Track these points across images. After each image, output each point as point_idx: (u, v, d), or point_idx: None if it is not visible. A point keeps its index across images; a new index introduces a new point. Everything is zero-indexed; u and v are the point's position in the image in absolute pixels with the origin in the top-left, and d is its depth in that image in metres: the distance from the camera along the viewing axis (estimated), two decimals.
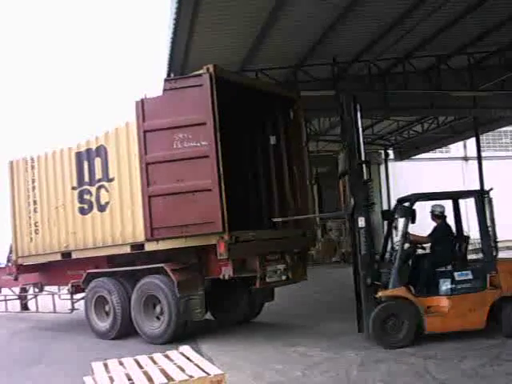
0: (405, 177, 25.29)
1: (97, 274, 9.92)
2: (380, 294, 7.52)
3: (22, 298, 13.04)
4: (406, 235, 7.88)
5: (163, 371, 5.00)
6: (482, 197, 8.12)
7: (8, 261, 12.72)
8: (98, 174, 9.82)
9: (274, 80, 14.09)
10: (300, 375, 6.47)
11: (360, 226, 7.64)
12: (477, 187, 18.42)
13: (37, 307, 12.13)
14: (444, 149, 28.02)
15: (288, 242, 9.65)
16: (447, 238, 8.25)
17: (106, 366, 5.37)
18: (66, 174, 10.39)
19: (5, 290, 13.42)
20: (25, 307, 13.07)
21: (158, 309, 8.95)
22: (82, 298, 10.43)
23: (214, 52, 12.71)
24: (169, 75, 13.24)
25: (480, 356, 6.72)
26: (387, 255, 8.43)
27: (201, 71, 8.34)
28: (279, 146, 10.29)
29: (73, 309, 10.80)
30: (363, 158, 7.91)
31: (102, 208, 9.77)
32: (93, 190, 9.91)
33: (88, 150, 10.00)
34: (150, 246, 8.97)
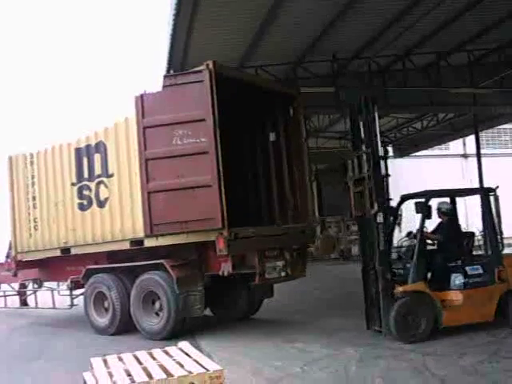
0: (404, 174, 25.27)
1: (96, 269, 9.92)
2: (401, 289, 7.55)
3: (22, 294, 13.05)
4: (422, 230, 8.02)
5: (162, 367, 5.01)
6: (489, 194, 8.35)
7: (7, 257, 12.71)
8: (98, 170, 9.81)
9: (273, 77, 14.08)
10: (299, 371, 6.48)
11: (379, 221, 7.66)
12: (476, 185, 18.47)
13: (36, 303, 12.13)
14: (443, 146, 28.04)
15: (287, 238, 9.64)
16: (456, 233, 8.44)
17: (105, 361, 5.38)
18: (65, 169, 10.39)
19: (4, 286, 13.42)
20: (24, 303, 13.07)
21: (157, 305, 8.95)
22: (82, 294, 10.43)
23: (214, 48, 12.71)
24: (168, 71, 13.25)
25: (479, 353, 6.73)
26: (393, 251, 8.43)
27: (200, 67, 8.32)
28: (279, 143, 10.28)
29: (72, 305, 10.80)
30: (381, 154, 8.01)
31: (101, 204, 9.76)
32: (92, 185, 9.90)
33: (87, 146, 9.99)
34: (149, 242, 8.97)
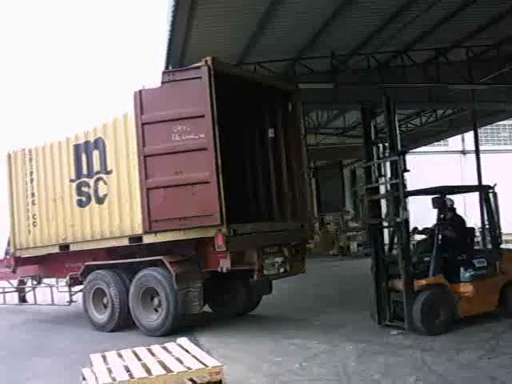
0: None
1: (95, 266, 9.93)
2: (424, 282, 7.74)
3: (20, 291, 13.04)
4: (440, 225, 8.40)
5: (161, 363, 5.03)
6: (489, 191, 8.78)
7: (6, 253, 12.71)
8: (96, 167, 9.80)
9: (272, 73, 14.06)
10: (298, 367, 6.50)
11: (401, 217, 7.74)
12: (475, 181, 18.48)
13: (35, 299, 12.14)
14: (442, 142, 28.06)
15: (286, 234, 9.65)
16: (464, 228, 8.76)
17: (104, 357, 5.39)
18: (64, 166, 10.38)
19: (3, 283, 13.43)
20: (23, 299, 13.07)
21: (156, 301, 8.97)
22: (80, 291, 10.44)
23: (213, 44, 12.68)
24: (167, 67, 13.22)
25: (477, 348, 6.75)
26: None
27: (199, 64, 8.31)
28: (277, 139, 10.28)
29: (71, 301, 10.82)
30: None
31: (100, 200, 9.76)
32: (91, 182, 9.89)
33: (86, 143, 9.98)
34: (148, 239, 8.97)
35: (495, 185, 8.75)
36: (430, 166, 25.50)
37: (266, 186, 10.48)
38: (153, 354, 5.39)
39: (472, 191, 9.67)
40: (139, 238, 9.11)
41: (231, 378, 5.79)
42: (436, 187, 8.65)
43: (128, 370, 4.88)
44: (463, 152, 28.73)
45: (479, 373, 5.85)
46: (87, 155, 9.96)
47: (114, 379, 4.65)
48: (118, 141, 9.43)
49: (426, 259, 8.11)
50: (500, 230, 8.98)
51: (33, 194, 11.05)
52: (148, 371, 4.80)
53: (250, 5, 11.06)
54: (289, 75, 14.45)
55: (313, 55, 14.14)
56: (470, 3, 11.69)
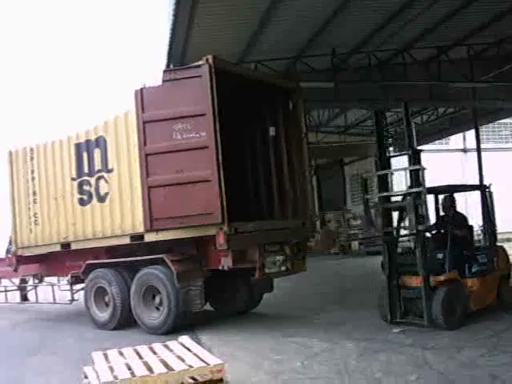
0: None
1: (96, 264, 9.94)
2: (442, 278, 7.87)
3: (22, 289, 13.06)
4: (453, 223, 8.57)
5: (163, 361, 5.03)
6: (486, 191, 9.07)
7: (8, 252, 12.72)
8: (98, 165, 9.81)
9: (273, 71, 14.06)
10: (299, 365, 6.50)
11: (425, 225, 7.87)
12: (476, 179, 18.47)
13: (36, 298, 12.15)
14: (443, 140, 28.02)
15: (287, 233, 9.65)
16: (467, 225, 8.99)
17: (106, 356, 5.40)
18: (65, 164, 10.39)
19: (5, 281, 13.45)
20: (25, 298, 13.09)
21: (157, 299, 8.97)
22: (82, 289, 10.45)
23: (214, 43, 12.69)
24: (168, 65, 13.23)
25: (478, 347, 6.75)
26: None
27: (200, 62, 8.31)
28: (279, 137, 10.27)
29: (72, 299, 10.82)
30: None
31: (101, 199, 9.77)
32: (92, 180, 9.90)
33: (87, 141, 9.99)
34: (149, 237, 8.98)
35: (490, 184, 9.01)
36: (431, 164, 25.38)
37: (267, 184, 10.47)
38: (154, 353, 5.40)
39: (473, 190, 9.83)
40: (140, 237, 9.12)
41: (232, 376, 5.79)
42: (440, 186, 8.88)
43: (130, 369, 4.88)
44: (464, 150, 28.69)
45: (480, 371, 5.84)
46: (88, 154, 9.96)
47: (115, 377, 4.66)
48: (119, 139, 9.44)
49: (438, 256, 8.22)
50: (496, 227, 9.22)
51: (34, 193, 11.05)
52: (149, 369, 4.81)
53: (251, 3, 11.07)
54: (290, 73, 14.44)
55: (313, 53, 14.14)
56: (472, 1, 11.69)
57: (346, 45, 14.04)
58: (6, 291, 13.16)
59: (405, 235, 8.62)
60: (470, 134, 24.71)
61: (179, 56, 13.20)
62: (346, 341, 7.50)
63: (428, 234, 8.70)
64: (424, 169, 7.91)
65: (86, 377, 5.13)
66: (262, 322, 9.56)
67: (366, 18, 12.38)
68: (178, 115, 8.37)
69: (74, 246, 10.36)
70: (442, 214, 9.24)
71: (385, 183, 8.58)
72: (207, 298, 9.30)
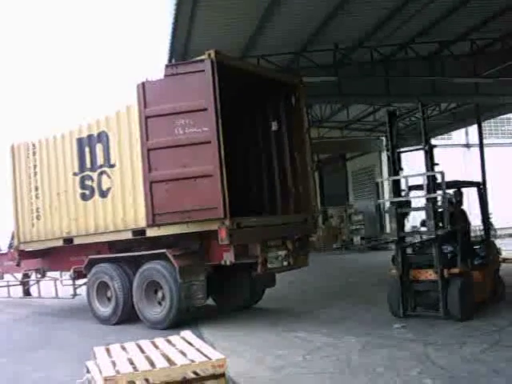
0: (406, 163, 25.20)
1: (98, 259, 9.95)
2: (457, 270, 8.02)
3: (24, 284, 13.10)
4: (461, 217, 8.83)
5: (165, 356, 5.03)
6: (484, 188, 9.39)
7: (10, 247, 12.75)
8: (100, 160, 9.82)
9: (275, 66, 14.03)
10: (301, 360, 6.50)
11: (445, 230, 8.04)
12: (478, 174, 18.44)
13: (39, 293, 12.20)
14: (446, 135, 27.94)
15: (289, 228, 9.65)
16: (466, 219, 9.21)
17: (108, 350, 5.40)
18: (67, 159, 10.40)
19: (7, 276, 13.48)
20: (27, 293, 13.13)
21: (159, 294, 8.98)
22: (84, 284, 10.47)
23: (216, 37, 12.66)
24: (170, 60, 13.20)
25: (480, 342, 6.74)
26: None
27: (202, 57, 8.29)
28: (281, 132, 10.26)
29: (75, 294, 10.86)
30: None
31: (103, 194, 9.78)
32: (94, 175, 9.91)
33: (89, 136, 9.99)
34: (151, 232, 8.98)
35: (484, 182, 9.13)
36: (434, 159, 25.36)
37: (269, 179, 10.47)
38: (156, 347, 5.40)
39: (468, 187, 9.91)
40: (143, 232, 9.13)
41: (235, 371, 5.81)
42: (453, 181, 9.07)
43: (132, 363, 4.88)
44: (467, 145, 28.60)
45: (483, 366, 5.84)
46: (90, 148, 9.97)
47: (117, 372, 4.65)
48: (121, 134, 9.44)
49: (448, 250, 8.39)
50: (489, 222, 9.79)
51: (36, 188, 11.07)
52: (152, 364, 4.80)
53: None
54: (292, 68, 14.41)
55: (316, 48, 14.09)
56: None
57: (349, 40, 13.99)
58: (8, 286, 13.20)
59: (421, 241, 8.72)
60: (473, 130, 24.63)
61: (181, 51, 13.18)
62: (348, 336, 7.50)
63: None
64: (443, 174, 8.16)
65: (88, 371, 5.13)
66: (264, 316, 9.57)
67: (369, 12, 12.33)
68: (181, 110, 8.36)
69: (76, 241, 10.38)
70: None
71: (398, 187, 8.71)
72: (209, 292, 9.31)
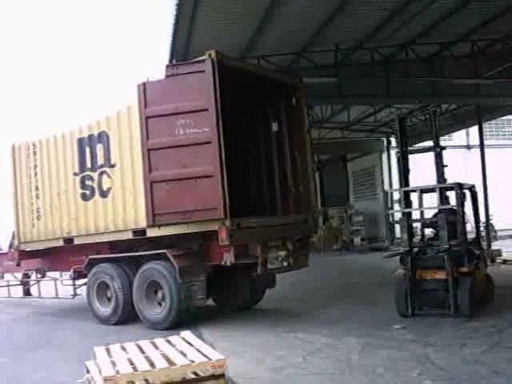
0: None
1: (99, 259, 9.95)
2: (465, 269, 8.27)
3: (25, 284, 13.09)
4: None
5: (165, 356, 5.03)
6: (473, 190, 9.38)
7: (10, 247, 12.75)
8: (100, 160, 9.81)
9: (276, 66, 14.02)
10: (301, 361, 6.50)
11: (458, 241, 8.44)
12: (479, 176, 18.46)
13: (39, 293, 12.19)
14: (447, 137, 27.92)
15: (290, 228, 9.65)
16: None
17: (108, 350, 5.40)
18: (67, 159, 10.40)
19: (7, 276, 13.48)
20: (27, 293, 13.12)
21: (159, 294, 8.98)
22: (84, 284, 10.47)
23: (216, 38, 12.66)
24: (171, 61, 13.20)
25: (480, 343, 6.74)
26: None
27: (203, 57, 8.30)
28: (281, 133, 10.27)
29: (75, 294, 10.86)
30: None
31: (103, 194, 9.78)
32: (95, 175, 9.91)
33: (90, 136, 9.99)
34: (151, 232, 8.98)
35: (474, 185, 9.38)
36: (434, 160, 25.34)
37: (269, 179, 10.47)
38: (156, 347, 5.40)
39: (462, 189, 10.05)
40: (143, 232, 9.12)
41: (234, 372, 5.81)
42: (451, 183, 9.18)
43: (132, 363, 4.88)
44: (468, 147, 28.59)
45: (483, 367, 5.84)
46: (91, 148, 9.97)
47: (117, 372, 4.65)
48: (121, 134, 9.44)
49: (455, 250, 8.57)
50: (480, 224, 9.75)
51: (37, 188, 11.07)
52: (151, 364, 4.80)
53: None
54: (293, 69, 14.40)
55: (317, 49, 14.09)
56: None
57: (349, 40, 13.99)
58: (8, 286, 13.19)
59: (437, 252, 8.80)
60: (474, 131, 24.63)
61: (182, 51, 13.18)
62: (348, 337, 7.50)
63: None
64: (461, 188, 8.47)
65: (88, 371, 5.13)
66: (264, 317, 9.56)
67: (370, 13, 12.33)
68: (181, 110, 8.36)
69: (76, 241, 10.38)
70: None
71: (409, 197, 8.90)
72: (209, 293, 9.31)
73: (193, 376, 4.82)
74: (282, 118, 10.27)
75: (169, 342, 5.59)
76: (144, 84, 8.63)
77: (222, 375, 4.82)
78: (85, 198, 10.10)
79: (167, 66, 8.65)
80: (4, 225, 13.77)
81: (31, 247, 11.56)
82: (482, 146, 20.46)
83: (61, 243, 10.64)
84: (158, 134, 8.53)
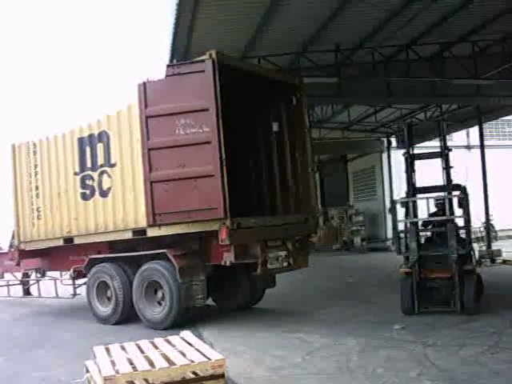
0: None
1: (99, 259, 9.96)
2: (470, 267, 8.58)
3: (25, 283, 13.10)
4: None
5: (164, 356, 5.04)
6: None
7: (10, 246, 12.76)
8: (100, 160, 9.81)
9: (276, 66, 14.01)
10: (300, 361, 6.50)
11: (467, 250, 8.69)
12: (479, 176, 18.44)
13: (39, 292, 12.20)
14: (447, 137, 27.91)
15: (290, 228, 9.64)
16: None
17: (107, 350, 5.41)
18: (68, 159, 10.40)
19: (7, 275, 13.48)
20: (27, 292, 13.13)
21: (159, 294, 8.99)
22: (84, 284, 10.48)
23: (217, 38, 12.64)
24: (171, 61, 13.19)
25: (479, 344, 6.74)
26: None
27: (203, 57, 8.30)
28: (282, 133, 10.26)
29: (75, 294, 10.86)
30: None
31: (104, 193, 9.77)
32: (95, 175, 9.91)
33: (90, 136, 9.99)
34: (151, 232, 8.98)
35: (465, 186, 9.44)
36: (434, 160, 25.34)
37: (270, 179, 10.47)
38: (156, 347, 5.40)
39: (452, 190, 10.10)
40: (143, 231, 9.12)
41: (234, 372, 5.81)
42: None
43: (131, 363, 4.89)
44: (468, 147, 28.57)
45: (482, 368, 5.84)
46: (91, 148, 9.97)
47: (117, 372, 4.66)
48: (122, 134, 9.44)
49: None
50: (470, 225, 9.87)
51: (37, 187, 11.07)
52: (151, 364, 4.81)
53: None
54: (293, 69, 14.39)
55: (317, 49, 14.08)
56: None
57: (350, 40, 13.97)
58: (8, 285, 13.20)
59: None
60: (474, 131, 24.61)
61: (182, 51, 13.16)
62: (348, 337, 7.50)
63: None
64: (467, 197, 8.73)
65: (87, 371, 5.14)
66: (263, 317, 9.57)
67: (370, 13, 12.31)
68: (181, 110, 8.37)
69: (76, 241, 10.37)
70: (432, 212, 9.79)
71: (416, 208, 9.10)
72: (209, 293, 9.31)
73: (192, 376, 4.84)
74: (283, 118, 10.27)
75: (168, 341, 5.59)
76: (144, 84, 8.63)
77: (222, 375, 4.83)
78: (85, 197, 10.09)
79: (168, 66, 8.65)
80: (4, 224, 13.77)
81: (31, 247, 11.55)
82: (482, 146, 20.45)
83: (61, 243, 10.64)
84: (159, 134, 8.54)
